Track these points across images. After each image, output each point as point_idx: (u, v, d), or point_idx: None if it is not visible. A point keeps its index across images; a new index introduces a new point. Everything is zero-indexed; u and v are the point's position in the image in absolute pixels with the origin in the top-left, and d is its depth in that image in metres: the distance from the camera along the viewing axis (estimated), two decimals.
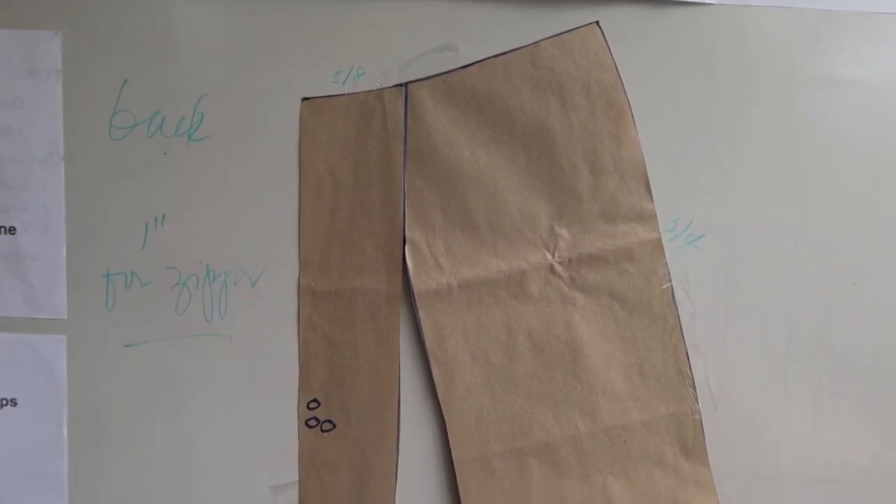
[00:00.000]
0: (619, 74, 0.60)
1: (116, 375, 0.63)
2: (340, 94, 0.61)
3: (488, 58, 0.61)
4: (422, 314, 0.62)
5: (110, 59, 0.60)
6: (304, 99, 0.61)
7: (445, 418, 0.63)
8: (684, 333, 0.63)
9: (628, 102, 0.61)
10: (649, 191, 0.62)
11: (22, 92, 0.61)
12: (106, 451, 0.64)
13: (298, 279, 0.63)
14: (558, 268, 0.62)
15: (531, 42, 0.60)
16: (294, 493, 0.64)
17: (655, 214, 0.62)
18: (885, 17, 0.62)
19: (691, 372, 0.63)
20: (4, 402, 0.63)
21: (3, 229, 0.62)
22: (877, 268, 0.64)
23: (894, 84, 0.62)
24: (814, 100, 0.62)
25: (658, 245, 0.62)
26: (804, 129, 0.62)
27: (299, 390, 0.63)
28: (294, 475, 0.64)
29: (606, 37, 0.60)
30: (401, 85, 0.61)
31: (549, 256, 0.62)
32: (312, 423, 0.64)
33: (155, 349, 0.63)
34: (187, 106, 0.61)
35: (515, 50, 0.60)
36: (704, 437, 0.63)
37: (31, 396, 0.64)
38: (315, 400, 0.64)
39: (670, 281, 0.63)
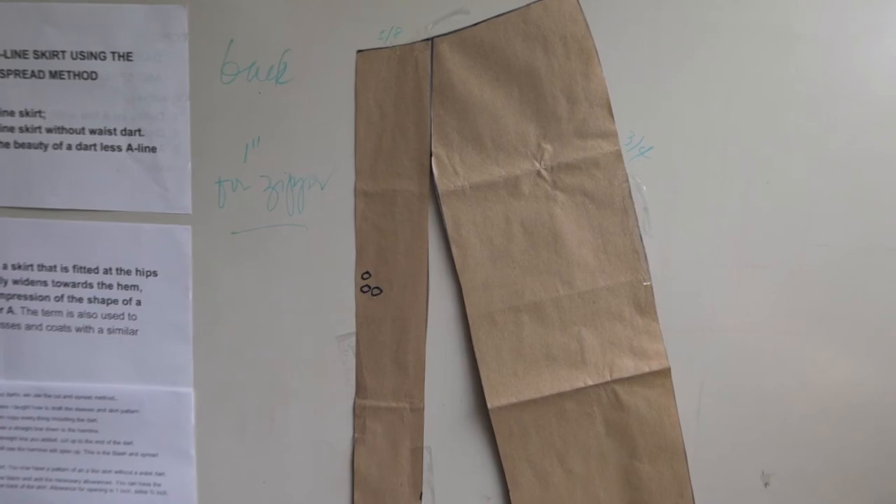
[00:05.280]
0: (588, 27, 0.78)
1: (226, 254, 0.82)
2: (384, 47, 0.78)
3: (491, 17, 0.78)
4: (444, 208, 0.80)
5: (221, 24, 0.78)
6: (359, 51, 0.78)
7: (461, 285, 0.80)
8: (638, 221, 0.80)
9: (595, 48, 0.78)
10: (611, 114, 0.78)
11: (159, 49, 0.79)
12: (217, 308, 0.83)
13: (355, 184, 0.80)
14: (544, 173, 0.80)
15: (524, 5, 0.78)
16: (352, 341, 0.83)
17: (616, 132, 0.79)
18: None
19: (644, 250, 0.80)
20: (149, 272, 0.84)
21: (147, 149, 0.81)
22: (785, 168, 0.79)
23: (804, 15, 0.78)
24: (738, 43, 0.77)
25: (618, 155, 0.79)
26: (729, 65, 0.77)
27: (356, 265, 0.81)
28: (352, 328, 0.82)
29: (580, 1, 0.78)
30: (428, 39, 0.78)
31: (536, 165, 0.80)
32: (365, 289, 0.82)
33: (252, 235, 0.81)
34: (275, 58, 0.78)
35: (511, 11, 0.78)
36: (654, 299, 0.81)
37: (167, 270, 0.83)
38: (367, 272, 0.82)
39: (628, 182, 0.79)
